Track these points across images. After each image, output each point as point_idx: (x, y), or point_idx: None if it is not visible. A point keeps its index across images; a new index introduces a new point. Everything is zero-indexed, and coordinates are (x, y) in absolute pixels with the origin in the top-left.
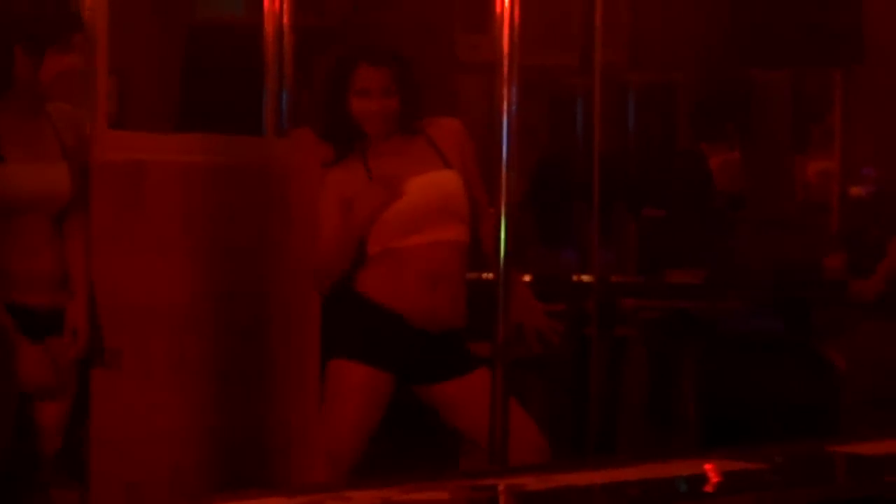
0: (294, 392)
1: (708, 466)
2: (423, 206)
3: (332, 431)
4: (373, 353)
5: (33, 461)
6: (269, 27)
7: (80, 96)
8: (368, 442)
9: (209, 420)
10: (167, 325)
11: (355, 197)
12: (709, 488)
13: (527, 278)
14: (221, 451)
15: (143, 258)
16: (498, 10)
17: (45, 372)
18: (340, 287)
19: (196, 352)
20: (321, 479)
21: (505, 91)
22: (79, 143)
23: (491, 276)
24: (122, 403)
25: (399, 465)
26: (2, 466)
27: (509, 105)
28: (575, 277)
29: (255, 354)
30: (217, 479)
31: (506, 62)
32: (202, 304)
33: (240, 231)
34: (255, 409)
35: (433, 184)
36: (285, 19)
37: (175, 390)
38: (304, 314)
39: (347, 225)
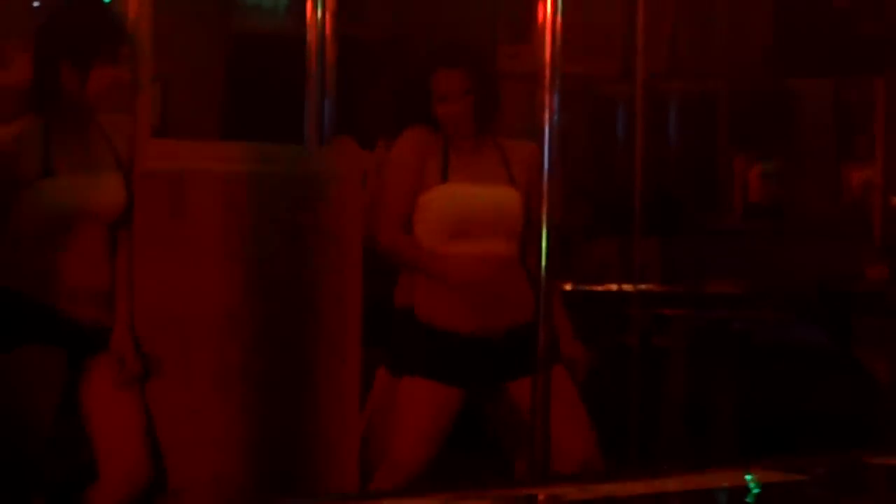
0: (334, 400)
1: (747, 477)
2: (475, 215)
3: (399, 444)
4: (440, 370)
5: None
6: (311, 36)
7: (128, 106)
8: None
9: (250, 427)
10: (208, 333)
11: (428, 177)
12: (748, 500)
13: (567, 286)
14: (261, 459)
15: (185, 266)
16: (540, 19)
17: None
18: (402, 309)
19: (237, 359)
20: (382, 488)
21: (547, 100)
22: (132, 152)
23: None
24: (163, 410)
25: (448, 475)
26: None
27: (551, 114)
28: (615, 286)
29: (295, 362)
30: (257, 487)
31: (548, 71)
32: (243, 312)
33: (281, 239)
34: (295, 416)
35: (491, 197)
36: (327, 28)
37: (216, 398)
38: (346, 322)
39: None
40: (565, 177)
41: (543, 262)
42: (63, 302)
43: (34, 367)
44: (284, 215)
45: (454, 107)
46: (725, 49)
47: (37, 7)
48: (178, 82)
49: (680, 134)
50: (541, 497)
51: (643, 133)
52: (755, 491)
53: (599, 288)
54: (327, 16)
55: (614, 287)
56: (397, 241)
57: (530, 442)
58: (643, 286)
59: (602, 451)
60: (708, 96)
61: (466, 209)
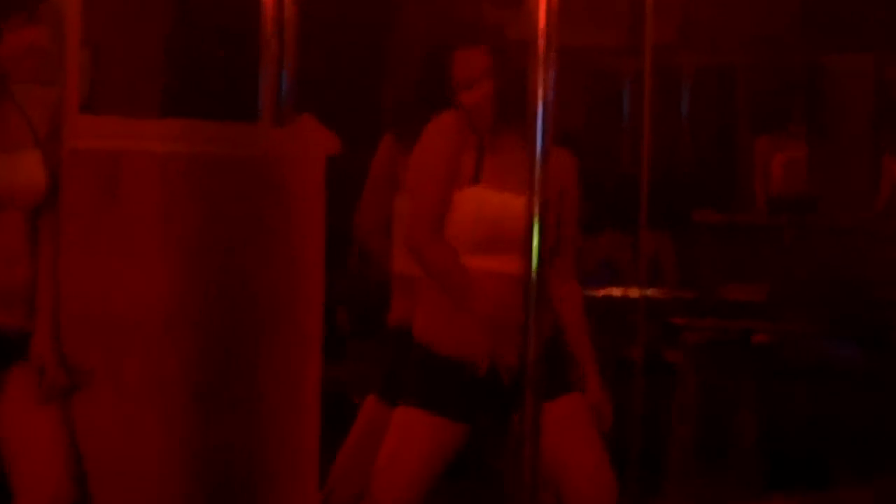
0: (290, 414)
1: None
2: (505, 228)
3: (386, 482)
4: (444, 403)
5: None
6: None
7: (47, 76)
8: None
9: (193, 446)
10: (144, 338)
11: (462, 173)
12: None
13: None
14: (204, 482)
15: (117, 261)
16: None
17: None
18: (402, 333)
19: (177, 368)
20: None
21: (541, 74)
22: (52, 128)
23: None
24: (90, 427)
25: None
26: None
27: (546, 90)
28: (619, 291)
29: (244, 371)
30: None
31: (542, 41)
32: (184, 314)
33: (229, 230)
34: (244, 433)
35: (521, 209)
36: None
37: (154, 413)
38: (303, 324)
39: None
40: None
41: (534, 264)
42: None
43: None
44: (234, 203)
45: (482, 90)
46: (746, 17)
47: None
48: (112, 49)
49: (693, 115)
50: None
51: (651, 114)
52: None
53: (601, 292)
54: None
55: (618, 292)
56: (431, 248)
57: (519, 468)
58: (650, 291)
59: None
60: (726, 72)
61: (497, 220)
